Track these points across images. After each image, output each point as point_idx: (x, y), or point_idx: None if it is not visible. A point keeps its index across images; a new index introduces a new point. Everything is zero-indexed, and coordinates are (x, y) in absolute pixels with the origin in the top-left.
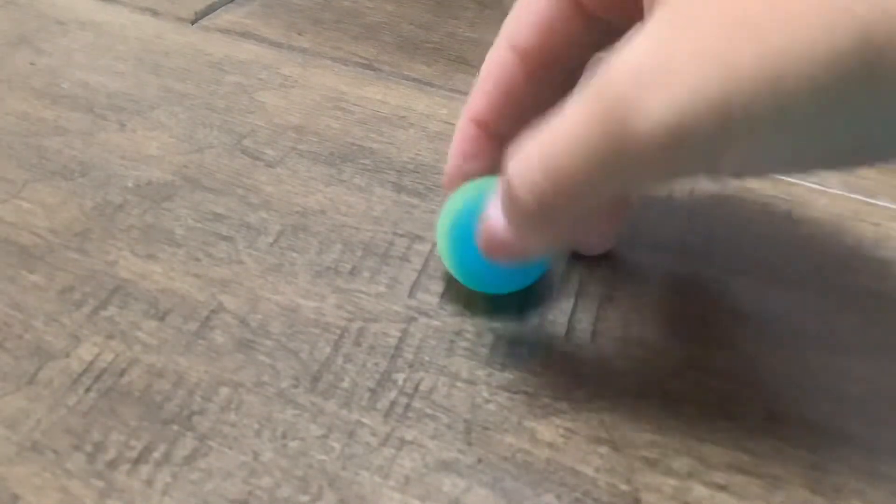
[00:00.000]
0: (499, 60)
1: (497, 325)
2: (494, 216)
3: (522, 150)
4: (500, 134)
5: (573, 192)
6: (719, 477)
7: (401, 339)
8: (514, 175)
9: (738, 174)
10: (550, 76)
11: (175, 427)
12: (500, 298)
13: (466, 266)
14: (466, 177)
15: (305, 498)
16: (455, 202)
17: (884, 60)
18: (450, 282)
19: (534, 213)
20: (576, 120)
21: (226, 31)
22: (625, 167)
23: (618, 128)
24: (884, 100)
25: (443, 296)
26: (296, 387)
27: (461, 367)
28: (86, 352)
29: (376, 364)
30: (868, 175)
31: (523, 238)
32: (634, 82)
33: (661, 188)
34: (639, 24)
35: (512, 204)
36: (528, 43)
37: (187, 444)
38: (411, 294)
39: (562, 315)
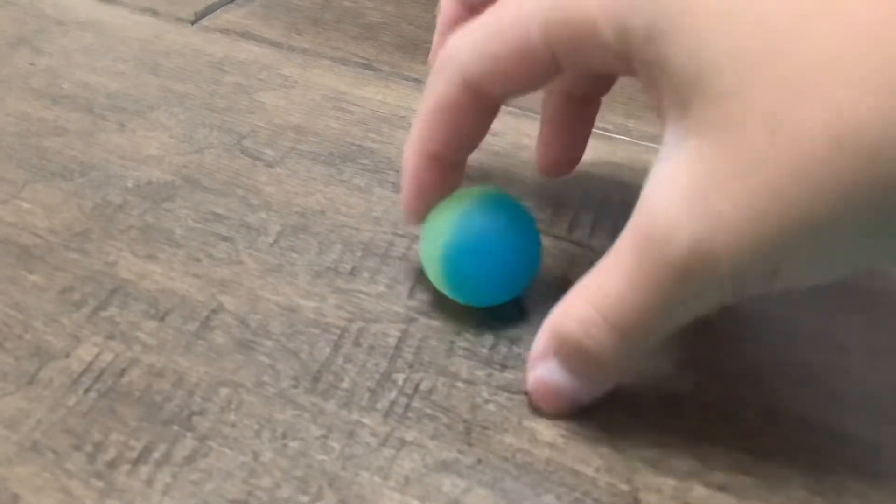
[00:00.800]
0: (446, 101)
1: (497, 325)
2: (548, 374)
3: (566, 301)
4: (453, 163)
5: (640, 337)
6: (719, 477)
7: (401, 340)
8: (567, 324)
9: (766, 289)
10: (496, 109)
11: (175, 427)
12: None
13: (465, 290)
14: (427, 208)
15: (305, 498)
16: (437, 228)
17: (886, 198)
18: None
19: (596, 355)
20: (625, 270)
21: (226, 32)
22: (678, 304)
23: (666, 274)
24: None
25: (443, 296)
26: (296, 387)
27: (461, 368)
28: (86, 352)
29: (376, 364)
30: None
31: (592, 385)
32: (671, 230)
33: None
34: (670, 145)
35: (580, 358)
36: (493, 92)
37: (187, 444)
38: (411, 294)
39: None
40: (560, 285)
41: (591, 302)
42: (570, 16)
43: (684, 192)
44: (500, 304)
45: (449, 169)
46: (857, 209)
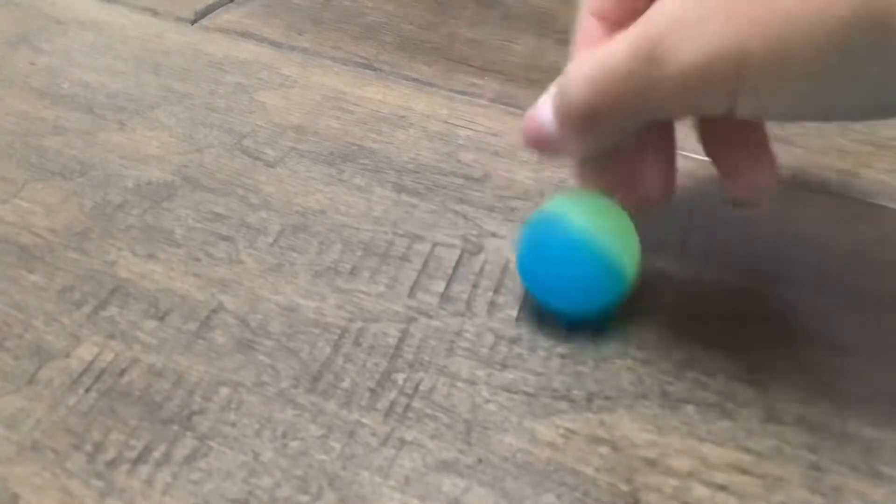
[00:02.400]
0: None
1: (497, 325)
2: (543, 111)
3: (582, 60)
4: (619, 24)
5: (611, 107)
6: (719, 477)
7: (401, 339)
8: (571, 78)
9: (753, 116)
10: None
11: (175, 427)
12: (500, 298)
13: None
14: None
15: (305, 498)
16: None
17: (888, 22)
18: (450, 282)
19: (578, 113)
20: (622, 49)
21: (226, 31)
22: (655, 96)
23: (654, 65)
24: (887, 59)
25: (443, 296)
26: (296, 387)
27: (461, 368)
28: (86, 351)
29: (376, 364)
30: (867, 175)
31: (564, 134)
32: (672, 28)
33: (685, 117)
34: None
35: (563, 99)
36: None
37: (187, 443)
38: (411, 294)
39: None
40: None
41: (589, 63)
42: None
43: (679, 8)
44: (501, 305)
45: (612, 31)
46: (849, 41)
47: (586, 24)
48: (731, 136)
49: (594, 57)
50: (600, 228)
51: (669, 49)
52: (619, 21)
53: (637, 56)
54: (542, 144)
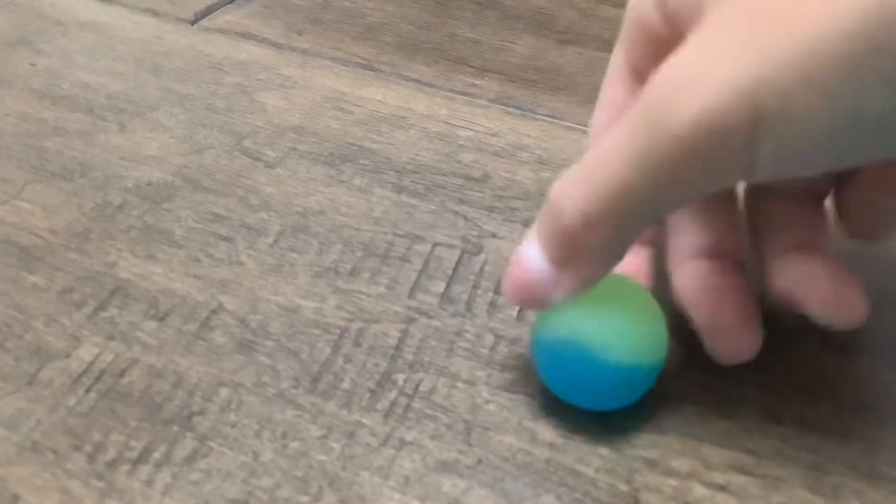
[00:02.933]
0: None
1: (497, 325)
2: (528, 252)
3: (567, 173)
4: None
5: (620, 203)
6: (719, 477)
7: (401, 340)
8: (558, 192)
9: (777, 171)
10: None
11: (175, 427)
12: (500, 299)
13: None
14: None
15: (305, 498)
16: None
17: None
18: (450, 283)
19: (578, 232)
20: (621, 130)
21: (226, 32)
22: (668, 171)
23: (659, 131)
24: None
25: (443, 296)
26: (296, 387)
27: (461, 368)
28: (86, 352)
29: (376, 365)
30: None
31: (558, 271)
32: (670, 86)
33: (707, 194)
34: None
35: (554, 224)
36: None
37: (187, 444)
38: (411, 294)
39: None
40: None
41: (581, 167)
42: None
43: (675, 63)
44: (501, 306)
45: None
46: (872, 48)
47: (613, 90)
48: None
49: (585, 157)
50: (625, 338)
51: (673, 109)
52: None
53: (635, 130)
54: (532, 293)
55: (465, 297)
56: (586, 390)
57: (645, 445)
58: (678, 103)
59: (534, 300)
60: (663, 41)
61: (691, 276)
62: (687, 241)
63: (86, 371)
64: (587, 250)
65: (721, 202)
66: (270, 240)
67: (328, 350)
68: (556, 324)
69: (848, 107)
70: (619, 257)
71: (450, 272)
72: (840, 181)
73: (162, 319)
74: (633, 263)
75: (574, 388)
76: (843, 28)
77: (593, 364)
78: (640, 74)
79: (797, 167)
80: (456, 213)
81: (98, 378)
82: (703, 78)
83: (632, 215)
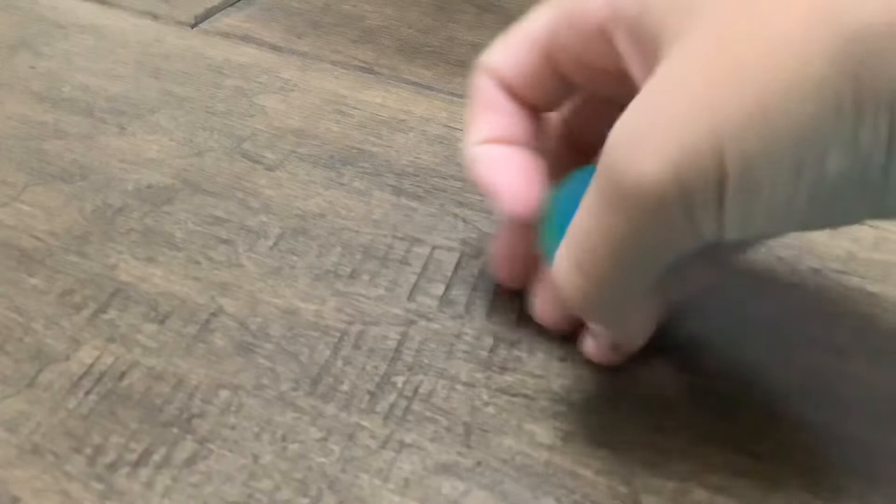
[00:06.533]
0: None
1: (496, 327)
2: (542, 304)
3: (560, 251)
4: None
5: (605, 278)
6: (719, 479)
7: (400, 342)
8: (559, 280)
9: (744, 229)
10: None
11: (175, 430)
12: (499, 301)
13: None
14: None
15: (305, 501)
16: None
17: (862, 85)
18: (449, 285)
19: (583, 308)
20: (587, 204)
21: (225, 35)
22: (639, 237)
23: (621, 196)
24: (871, 133)
25: (442, 299)
26: (295, 390)
27: (460, 370)
28: (86, 355)
29: (376, 367)
30: None
31: (612, 332)
32: (626, 145)
33: (678, 259)
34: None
35: (561, 304)
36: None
37: (187, 446)
38: (411, 297)
39: None
40: None
41: (564, 246)
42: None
43: (630, 118)
44: (501, 307)
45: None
46: (832, 109)
47: (485, 88)
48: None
49: (567, 235)
50: None
51: (632, 170)
52: (520, 93)
53: (604, 196)
54: (605, 351)
55: (464, 299)
56: None
57: (644, 447)
58: (636, 163)
59: (608, 356)
60: (599, 50)
61: (485, 152)
62: (483, 128)
63: (86, 373)
64: (605, 317)
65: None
66: (270, 242)
67: (328, 352)
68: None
69: (810, 172)
70: (637, 307)
71: (449, 275)
72: None
73: (162, 322)
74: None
75: None
76: (804, 89)
77: None
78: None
79: (766, 228)
80: (455, 215)
81: (98, 380)
82: (660, 133)
83: (630, 281)
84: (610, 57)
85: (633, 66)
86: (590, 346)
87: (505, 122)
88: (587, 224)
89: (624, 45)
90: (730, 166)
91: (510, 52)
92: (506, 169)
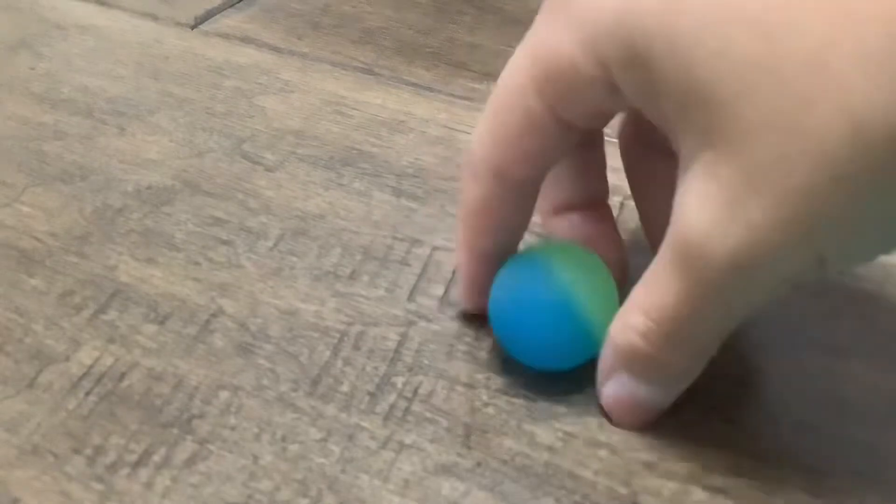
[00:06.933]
0: (482, 201)
1: None
2: (621, 389)
3: (629, 317)
4: (506, 252)
5: (697, 337)
6: (718, 480)
7: (400, 343)
8: (639, 341)
9: (847, 263)
10: (535, 192)
11: (175, 430)
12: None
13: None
14: (485, 298)
15: (305, 501)
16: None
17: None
18: (449, 286)
19: (671, 363)
20: (662, 272)
21: (225, 36)
22: (733, 305)
23: (712, 285)
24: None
25: (442, 300)
26: (295, 390)
27: (460, 371)
28: (86, 355)
29: (376, 368)
30: None
31: (668, 387)
32: (704, 221)
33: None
34: (687, 159)
35: (647, 365)
36: (519, 174)
37: (187, 447)
38: (410, 298)
39: None
40: None
41: (644, 311)
42: (550, 64)
43: (712, 204)
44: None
45: (501, 259)
46: (882, 194)
47: (531, 139)
48: None
49: (637, 299)
50: (582, 287)
51: (704, 255)
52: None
53: (675, 276)
54: (655, 411)
55: None
56: (533, 334)
57: (644, 448)
58: (708, 253)
59: (654, 417)
60: (603, 103)
61: (563, 227)
62: (559, 194)
63: (86, 374)
64: (673, 364)
65: (588, 155)
66: (270, 243)
67: (328, 353)
68: (520, 256)
69: (872, 241)
70: (703, 353)
71: (449, 276)
72: None
73: (162, 323)
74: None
75: (521, 327)
76: (855, 192)
77: (550, 303)
78: (568, 124)
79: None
80: (455, 216)
81: (98, 381)
82: (728, 226)
83: (692, 336)
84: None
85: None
86: (622, 400)
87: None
88: (673, 303)
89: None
90: (816, 256)
91: (508, 146)
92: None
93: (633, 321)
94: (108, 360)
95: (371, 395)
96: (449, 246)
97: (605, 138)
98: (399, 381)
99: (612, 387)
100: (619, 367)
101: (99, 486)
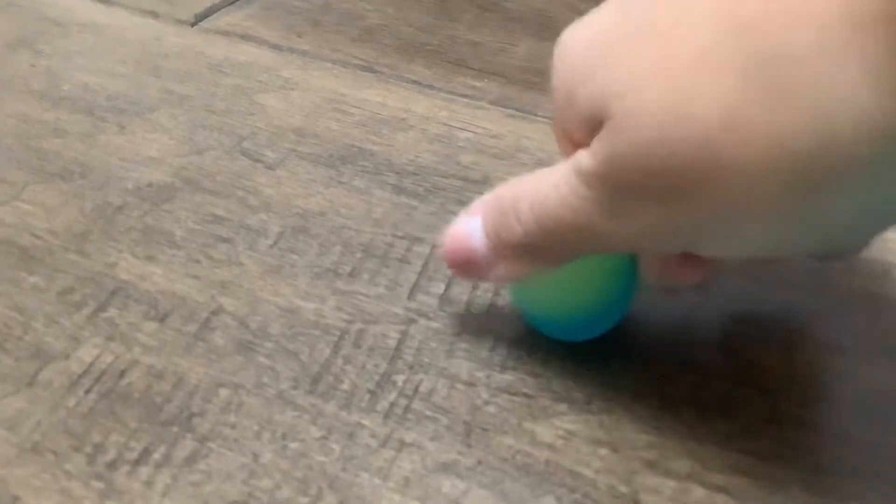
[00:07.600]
0: None
1: (496, 327)
2: (472, 229)
3: (519, 181)
4: None
5: (555, 237)
6: (718, 478)
7: (400, 341)
8: (509, 202)
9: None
10: None
11: (175, 428)
12: (500, 300)
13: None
14: None
15: (305, 500)
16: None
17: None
18: (450, 284)
19: (520, 247)
20: (559, 176)
21: (225, 34)
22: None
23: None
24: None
25: (443, 297)
26: (295, 388)
27: (461, 369)
28: (86, 353)
29: (376, 366)
30: None
31: (497, 258)
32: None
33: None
34: None
35: (502, 230)
36: None
37: (187, 445)
38: (411, 296)
39: None
40: None
41: (530, 200)
42: None
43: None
44: (501, 308)
45: None
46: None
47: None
48: None
49: (525, 184)
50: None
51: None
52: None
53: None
54: (469, 270)
55: (464, 298)
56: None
57: (644, 447)
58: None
59: (469, 275)
60: None
61: None
62: None
63: (86, 372)
64: (527, 259)
65: None
66: (270, 241)
67: (328, 351)
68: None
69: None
70: (559, 265)
71: (449, 273)
72: None
73: (162, 320)
74: None
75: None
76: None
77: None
78: None
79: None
80: (455, 214)
81: (98, 379)
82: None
83: (570, 248)
84: None
85: None
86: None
87: None
88: (552, 190)
89: None
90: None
91: None
92: None
93: (519, 184)
94: (108, 358)
95: (371, 393)
96: None
97: None
98: (399, 379)
99: (463, 223)
100: (482, 213)
101: (99, 485)
